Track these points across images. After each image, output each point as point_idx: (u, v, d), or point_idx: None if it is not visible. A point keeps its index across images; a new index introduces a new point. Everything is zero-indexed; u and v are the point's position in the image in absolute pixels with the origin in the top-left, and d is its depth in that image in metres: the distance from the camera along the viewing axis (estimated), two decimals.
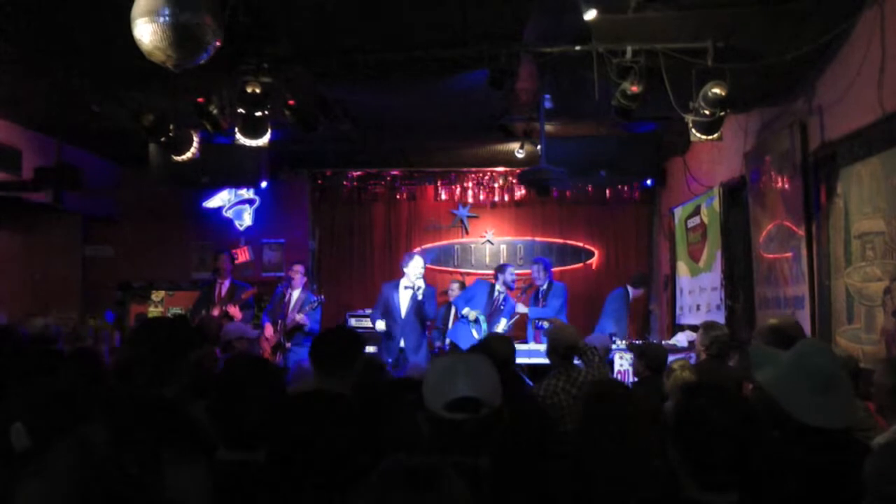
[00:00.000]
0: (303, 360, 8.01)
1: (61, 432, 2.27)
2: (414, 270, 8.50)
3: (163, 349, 3.14)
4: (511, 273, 9.42)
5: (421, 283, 8.45)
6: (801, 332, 4.80)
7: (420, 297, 8.40)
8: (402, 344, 8.43)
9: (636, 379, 6.00)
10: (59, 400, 2.39)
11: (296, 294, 9.08)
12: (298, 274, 9.20)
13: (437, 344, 9.77)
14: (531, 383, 5.84)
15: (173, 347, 3.16)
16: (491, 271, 10.23)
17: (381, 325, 8.59)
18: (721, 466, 2.17)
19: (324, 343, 3.84)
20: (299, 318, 8.78)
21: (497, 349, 4.64)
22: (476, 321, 9.04)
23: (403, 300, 8.58)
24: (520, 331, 9.84)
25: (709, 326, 5.73)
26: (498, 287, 9.32)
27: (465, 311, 9.13)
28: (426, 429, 2.57)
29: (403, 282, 8.62)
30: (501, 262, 11.67)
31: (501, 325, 9.10)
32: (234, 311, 8.73)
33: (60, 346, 6.63)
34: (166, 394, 3.03)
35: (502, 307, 9.19)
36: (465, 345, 8.92)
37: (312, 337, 8.36)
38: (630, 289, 9.86)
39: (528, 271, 10.45)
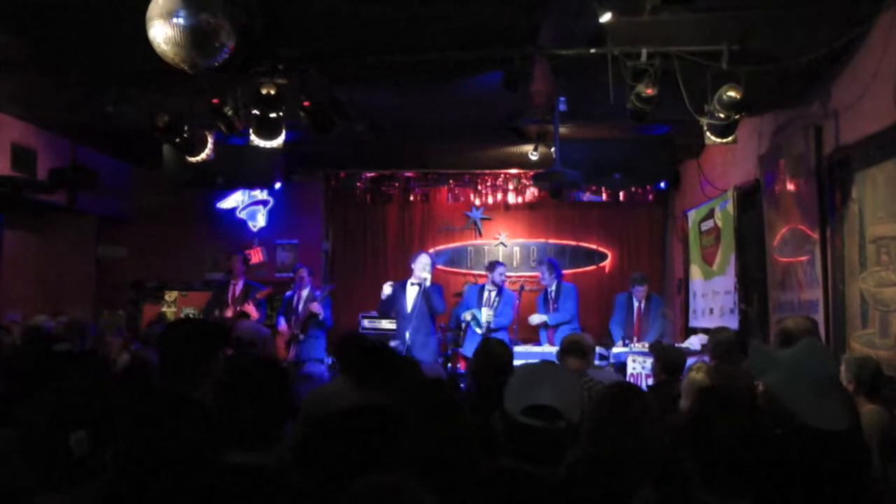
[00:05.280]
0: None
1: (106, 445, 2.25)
2: (420, 266, 8.72)
3: (194, 350, 3.09)
4: (500, 274, 9.42)
5: (427, 276, 8.66)
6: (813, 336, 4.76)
7: (426, 287, 8.60)
8: (408, 340, 8.51)
9: (652, 382, 5.98)
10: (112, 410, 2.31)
11: (305, 293, 9.38)
12: (304, 276, 9.49)
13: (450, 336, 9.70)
14: None
15: (204, 347, 3.12)
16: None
17: (387, 323, 8.73)
18: (734, 473, 2.16)
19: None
20: (314, 307, 9.08)
21: (497, 353, 4.61)
22: (473, 318, 9.13)
23: (410, 297, 8.73)
24: (533, 333, 9.83)
25: (714, 332, 5.83)
26: (488, 287, 9.38)
27: (465, 315, 9.25)
28: (500, 429, 2.52)
29: (411, 279, 8.78)
30: (514, 264, 11.67)
31: (484, 315, 9.10)
32: (251, 309, 8.86)
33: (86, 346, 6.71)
34: (196, 395, 2.98)
35: (496, 304, 9.19)
36: None
37: (324, 328, 9.07)
38: (634, 288, 9.68)
39: (537, 273, 10.38)
